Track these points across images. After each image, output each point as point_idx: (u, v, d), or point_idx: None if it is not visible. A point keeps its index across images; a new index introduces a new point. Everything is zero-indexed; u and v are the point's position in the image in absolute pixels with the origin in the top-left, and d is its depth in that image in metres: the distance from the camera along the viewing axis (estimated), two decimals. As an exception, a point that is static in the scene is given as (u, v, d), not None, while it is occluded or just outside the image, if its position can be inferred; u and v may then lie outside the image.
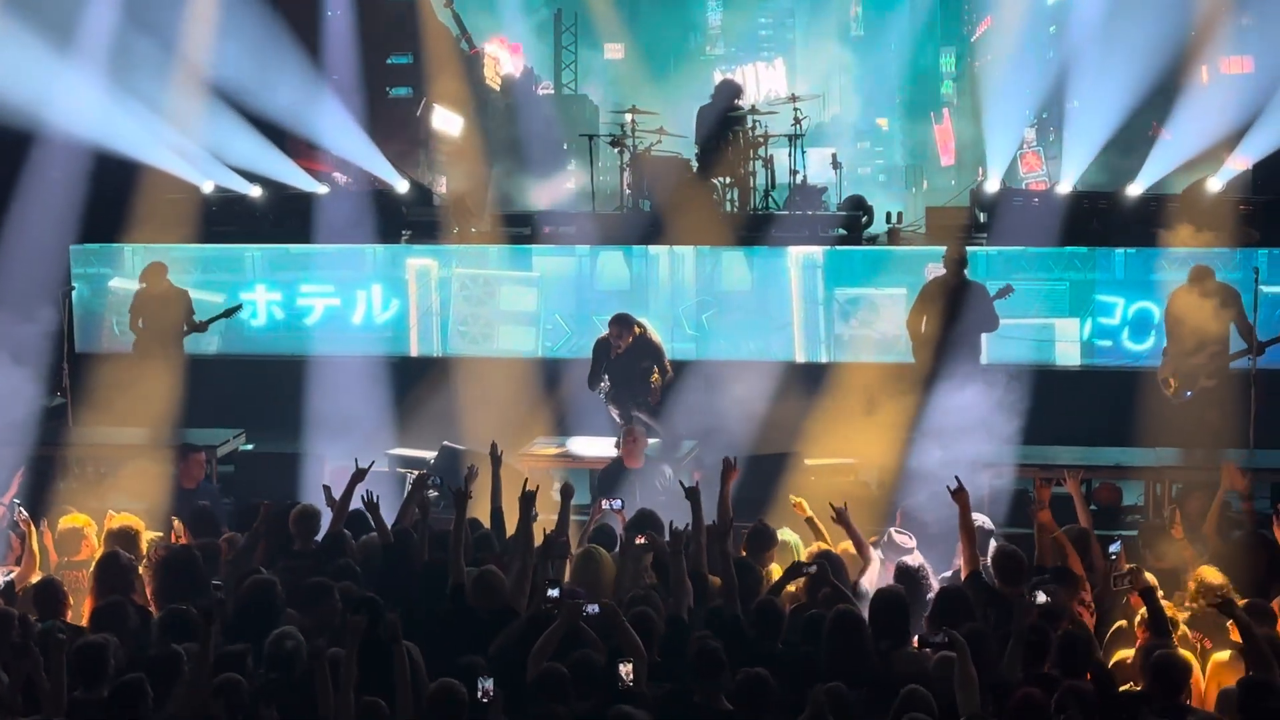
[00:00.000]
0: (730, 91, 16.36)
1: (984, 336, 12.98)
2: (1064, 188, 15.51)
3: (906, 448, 12.54)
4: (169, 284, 14.28)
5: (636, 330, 12.83)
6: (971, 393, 12.17)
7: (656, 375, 12.81)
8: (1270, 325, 13.61)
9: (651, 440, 12.47)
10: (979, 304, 12.91)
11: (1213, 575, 8.18)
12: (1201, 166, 15.11)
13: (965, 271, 13.04)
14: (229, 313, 14.36)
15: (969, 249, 13.62)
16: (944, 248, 13.31)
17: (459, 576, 8.26)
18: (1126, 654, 7.77)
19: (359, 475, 9.62)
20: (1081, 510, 9.23)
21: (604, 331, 12.99)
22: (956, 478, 8.73)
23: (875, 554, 9.06)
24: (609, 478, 11.58)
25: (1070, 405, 13.15)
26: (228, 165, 16.21)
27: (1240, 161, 15.39)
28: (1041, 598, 7.45)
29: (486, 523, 9.53)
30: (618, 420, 12.87)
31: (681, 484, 9.24)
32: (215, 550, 9.35)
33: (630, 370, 12.82)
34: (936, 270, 13.59)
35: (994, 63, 18.24)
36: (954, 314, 12.83)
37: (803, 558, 8.94)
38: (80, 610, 8.62)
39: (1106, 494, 12.02)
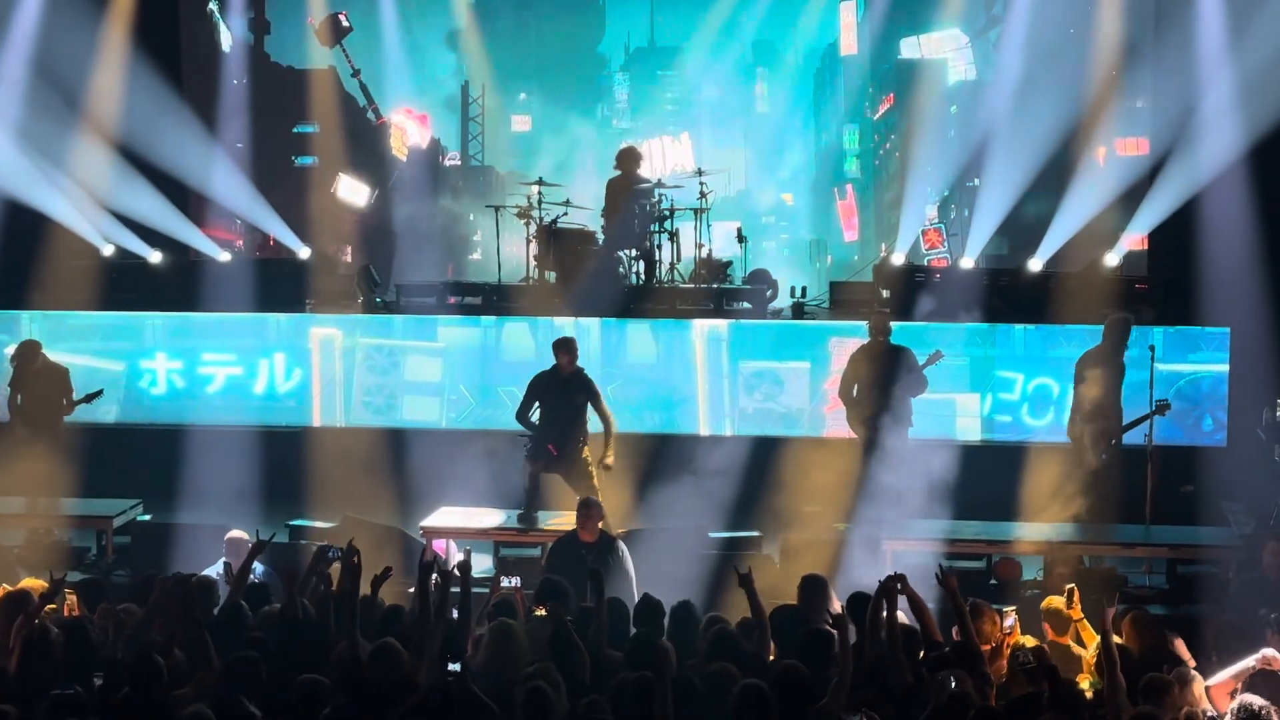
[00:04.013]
0: (632, 159, 16.28)
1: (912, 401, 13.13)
2: (966, 263, 15.73)
3: (814, 520, 12.69)
4: (45, 359, 13.73)
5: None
6: (899, 465, 12.38)
7: (595, 457, 12.73)
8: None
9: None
10: (908, 367, 13.05)
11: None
12: (1099, 244, 15.38)
13: (889, 338, 13.20)
14: (89, 398, 13.88)
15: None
16: (850, 322, 13.43)
17: (354, 649, 8.15)
18: None
19: (259, 547, 9.50)
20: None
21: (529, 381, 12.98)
22: (903, 576, 8.64)
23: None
24: (563, 551, 11.15)
25: (971, 480, 13.25)
26: (130, 228, 16.06)
27: (1137, 240, 15.72)
28: (953, 684, 7.41)
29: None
30: (528, 464, 12.78)
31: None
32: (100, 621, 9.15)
33: (565, 401, 12.71)
34: (841, 344, 13.69)
35: (897, 141, 18.55)
36: (884, 378, 12.97)
37: None
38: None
39: (1006, 569, 12.11)
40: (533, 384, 12.92)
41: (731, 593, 9.24)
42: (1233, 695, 7.83)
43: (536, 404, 12.79)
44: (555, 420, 12.72)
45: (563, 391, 12.76)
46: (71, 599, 9.83)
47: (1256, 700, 7.35)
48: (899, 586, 8.40)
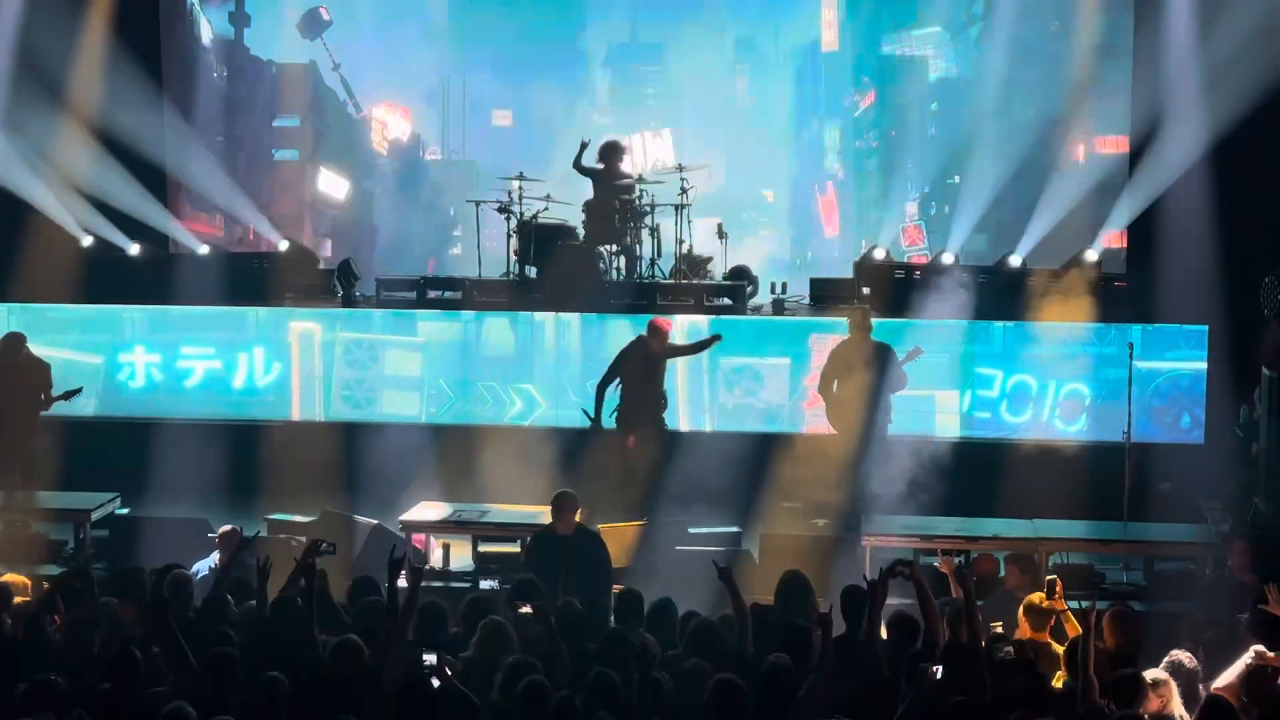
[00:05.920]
0: (613, 154, 16.20)
1: (891, 397, 13.17)
2: (946, 260, 15.74)
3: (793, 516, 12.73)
4: (28, 353, 13.70)
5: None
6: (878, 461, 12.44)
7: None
8: (1143, 401, 13.94)
9: None
10: (888, 364, 13.09)
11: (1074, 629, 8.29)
12: (1078, 242, 15.41)
13: (869, 335, 13.24)
14: (68, 395, 13.73)
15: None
16: (830, 318, 13.47)
17: (314, 648, 8.13)
18: None
19: (244, 543, 9.50)
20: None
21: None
22: (882, 570, 8.64)
23: None
24: (540, 546, 10.96)
25: (949, 476, 13.28)
26: (109, 220, 16.00)
27: (1116, 238, 15.76)
28: (939, 673, 7.41)
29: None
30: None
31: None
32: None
33: (651, 372, 13.36)
34: (821, 341, 13.70)
35: (878, 138, 18.58)
36: (864, 375, 13.02)
37: None
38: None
39: (985, 566, 12.13)
40: (623, 353, 13.53)
41: (710, 588, 9.25)
42: (1238, 696, 7.87)
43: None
44: (640, 393, 13.30)
45: (647, 363, 13.37)
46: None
47: (1223, 697, 7.46)
48: (907, 573, 8.41)
